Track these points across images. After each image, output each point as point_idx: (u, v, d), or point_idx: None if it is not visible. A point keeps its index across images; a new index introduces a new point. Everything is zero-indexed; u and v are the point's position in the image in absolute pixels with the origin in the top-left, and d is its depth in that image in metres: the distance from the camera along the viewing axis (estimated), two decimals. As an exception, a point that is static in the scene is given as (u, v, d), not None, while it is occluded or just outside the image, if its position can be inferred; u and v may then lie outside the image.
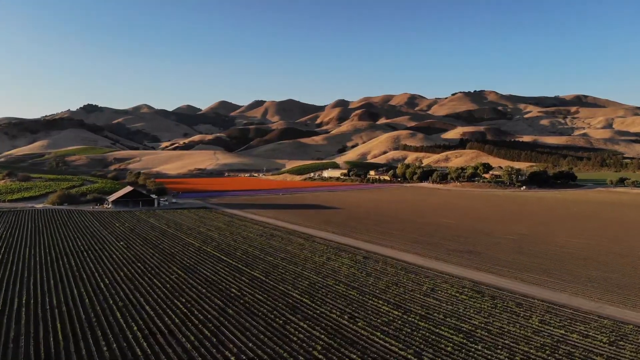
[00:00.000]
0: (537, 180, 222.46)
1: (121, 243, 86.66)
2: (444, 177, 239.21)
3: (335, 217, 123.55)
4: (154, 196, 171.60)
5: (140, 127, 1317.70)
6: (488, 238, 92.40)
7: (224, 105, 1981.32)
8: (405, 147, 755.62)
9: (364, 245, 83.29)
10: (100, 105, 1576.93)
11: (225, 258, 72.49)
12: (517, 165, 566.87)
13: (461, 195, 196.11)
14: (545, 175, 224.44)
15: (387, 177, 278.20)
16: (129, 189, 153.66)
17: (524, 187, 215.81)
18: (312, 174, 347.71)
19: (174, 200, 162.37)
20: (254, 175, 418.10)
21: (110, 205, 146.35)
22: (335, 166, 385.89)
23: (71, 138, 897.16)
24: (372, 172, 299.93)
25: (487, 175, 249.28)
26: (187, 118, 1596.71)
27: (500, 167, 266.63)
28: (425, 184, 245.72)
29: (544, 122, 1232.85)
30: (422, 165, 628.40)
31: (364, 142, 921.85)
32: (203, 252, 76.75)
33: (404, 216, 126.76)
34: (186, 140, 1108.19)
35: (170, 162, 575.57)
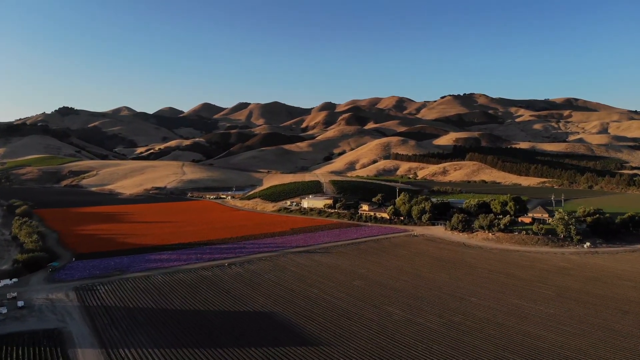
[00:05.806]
0: (601, 231, 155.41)
1: None
2: (467, 222, 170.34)
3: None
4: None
5: (117, 131, 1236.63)
6: None
7: (207, 108, 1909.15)
8: (397, 156, 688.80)
9: None
10: (77, 107, 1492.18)
11: None
12: (527, 181, 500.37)
13: (504, 264, 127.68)
14: (614, 226, 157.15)
15: (385, 215, 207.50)
16: None
17: (588, 243, 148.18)
18: (288, 202, 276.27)
19: (20, 304, 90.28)
20: (221, 197, 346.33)
21: None
22: (319, 189, 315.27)
23: (32, 146, 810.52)
24: (365, 207, 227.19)
25: (526, 220, 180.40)
26: (168, 121, 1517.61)
27: (546, 210, 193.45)
28: (441, 231, 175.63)
29: (537, 126, 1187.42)
30: (418, 178, 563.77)
31: (351, 149, 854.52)
32: None
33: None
34: (162, 146, 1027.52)
35: (130, 176, 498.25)
